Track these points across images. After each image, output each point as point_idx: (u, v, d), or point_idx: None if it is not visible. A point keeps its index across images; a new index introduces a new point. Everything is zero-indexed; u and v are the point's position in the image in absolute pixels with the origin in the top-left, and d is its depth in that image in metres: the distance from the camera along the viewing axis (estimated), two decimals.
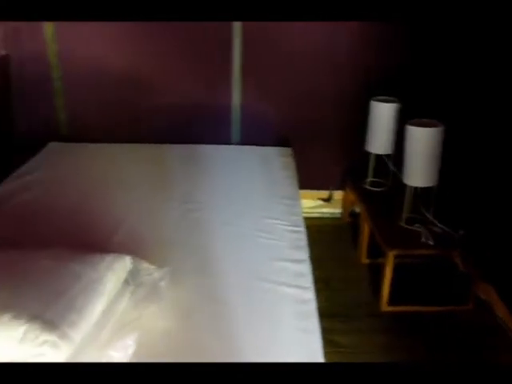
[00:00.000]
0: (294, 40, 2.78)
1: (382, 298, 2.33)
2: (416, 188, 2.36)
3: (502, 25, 2.30)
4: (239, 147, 2.89)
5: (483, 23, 2.42)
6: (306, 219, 2.12)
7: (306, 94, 2.90)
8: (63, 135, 2.94)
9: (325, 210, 3.19)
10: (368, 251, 2.67)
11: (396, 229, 2.38)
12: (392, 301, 2.33)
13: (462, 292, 2.37)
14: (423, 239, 2.29)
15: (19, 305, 1.24)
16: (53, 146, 2.77)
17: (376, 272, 2.50)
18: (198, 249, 1.82)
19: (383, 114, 2.61)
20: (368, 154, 2.76)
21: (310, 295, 1.61)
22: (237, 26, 2.72)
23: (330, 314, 2.21)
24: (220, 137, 2.94)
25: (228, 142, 2.97)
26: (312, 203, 3.16)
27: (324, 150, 3.04)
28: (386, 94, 2.65)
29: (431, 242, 2.27)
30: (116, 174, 2.42)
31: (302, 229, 2.00)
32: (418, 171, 2.29)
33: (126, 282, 1.47)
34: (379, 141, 2.67)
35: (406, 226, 2.38)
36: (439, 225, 2.36)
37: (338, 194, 3.15)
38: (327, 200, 3.18)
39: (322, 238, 2.81)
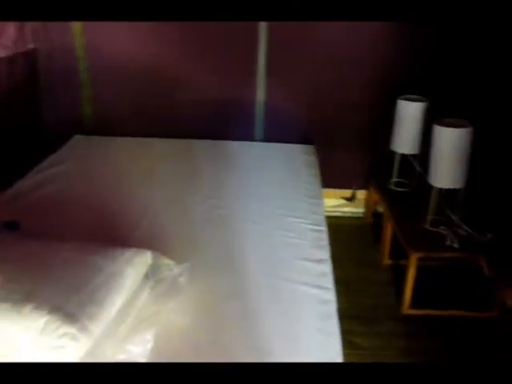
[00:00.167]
0: (318, 39, 2.76)
1: (404, 301, 2.29)
2: (442, 189, 2.31)
3: None
4: (263, 144, 2.88)
5: None
6: (328, 218, 2.10)
7: (331, 92, 2.87)
8: (89, 128, 2.96)
9: (347, 209, 3.16)
10: (390, 252, 2.63)
11: (420, 230, 2.34)
12: (414, 304, 2.29)
13: (486, 298, 2.32)
14: (448, 242, 2.24)
15: (41, 296, 1.25)
16: (78, 138, 2.80)
17: (398, 274, 2.46)
18: (219, 245, 1.82)
19: (410, 112, 2.57)
20: (393, 153, 2.72)
21: (330, 296, 1.59)
22: (263, 25, 2.72)
23: (350, 316, 2.18)
24: (244, 133, 2.94)
25: (251, 139, 2.96)
26: (334, 202, 3.13)
27: (348, 148, 3.00)
28: (414, 93, 2.60)
29: (456, 245, 2.22)
30: (140, 167, 2.43)
31: (324, 228, 1.98)
32: (445, 172, 2.24)
33: (146, 276, 1.47)
34: (405, 140, 2.63)
35: (431, 228, 2.33)
36: (465, 227, 2.31)
37: (361, 194, 3.12)
38: (350, 199, 3.15)
39: (344, 238, 2.78)
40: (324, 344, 1.39)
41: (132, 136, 2.81)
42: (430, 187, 2.32)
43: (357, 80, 2.84)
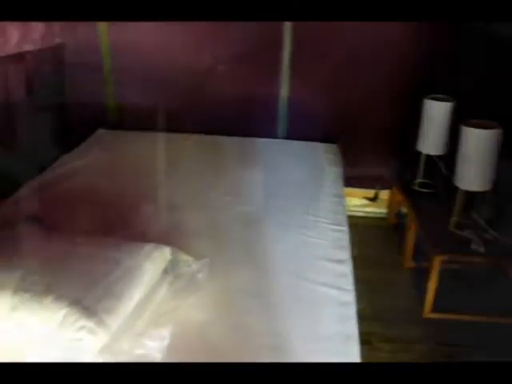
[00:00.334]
0: (343, 39, 2.74)
1: (426, 304, 2.24)
2: (468, 191, 2.26)
3: None
4: (286, 141, 2.87)
5: None
6: (350, 218, 2.08)
7: (355, 91, 2.84)
8: (112, 123, 2.99)
9: (370, 209, 3.12)
10: (413, 254, 2.58)
11: (444, 233, 2.29)
12: (436, 308, 2.24)
13: (510, 304, 2.26)
14: (473, 246, 2.19)
15: (61, 288, 1.26)
16: (101, 132, 2.83)
17: (420, 277, 2.41)
18: (240, 242, 1.81)
19: (437, 112, 2.51)
20: (418, 153, 2.67)
21: (350, 297, 1.57)
22: (287, 25, 2.72)
23: (370, 318, 2.15)
24: (267, 130, 2.93)
25: (274, 136, 2.95)
26: (357, 202, 3.09)
27: (371, 148, 2.97)
28: (440, 93, 2.55)
29: (482, 250, 2.17)
30: (161, 162, 2.44)
31: (346, 228, 1.96)
32: (472, 174, 2.19)
33: (165, 272, 1.47)
34: (431, 141, 2.57)
35: (456, 231, 2.28)
36: (491, 231, 2.25)
37: (384, 194, 3.07)
38: (373, 199, 3.10)
39: (366, 238, 2.74)
40: (343, 346, 1.37)
41: (155, 131, 2.82)
42: (456, 189, 2.27)
43: (381, 80, 2.81)
